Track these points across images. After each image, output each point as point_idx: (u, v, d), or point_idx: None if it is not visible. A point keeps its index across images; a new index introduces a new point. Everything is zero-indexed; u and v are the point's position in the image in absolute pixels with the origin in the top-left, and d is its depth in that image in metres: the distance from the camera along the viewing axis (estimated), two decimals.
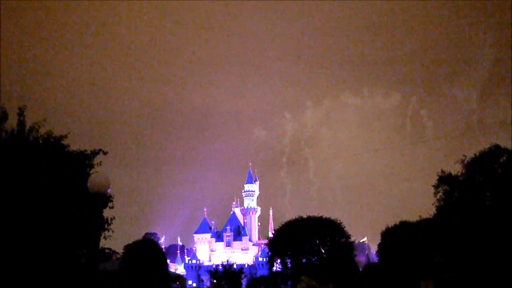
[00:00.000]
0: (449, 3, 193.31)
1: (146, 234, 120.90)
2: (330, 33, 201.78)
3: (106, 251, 37.11)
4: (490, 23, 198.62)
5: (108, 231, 20.91)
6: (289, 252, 55.46)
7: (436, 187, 37.42)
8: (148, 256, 3.02)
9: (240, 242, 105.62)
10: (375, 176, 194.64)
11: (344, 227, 57.25)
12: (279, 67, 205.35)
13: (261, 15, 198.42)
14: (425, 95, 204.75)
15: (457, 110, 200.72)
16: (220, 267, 75.23)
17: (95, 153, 21.31)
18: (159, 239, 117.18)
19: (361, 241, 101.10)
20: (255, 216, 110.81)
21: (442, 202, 36.98)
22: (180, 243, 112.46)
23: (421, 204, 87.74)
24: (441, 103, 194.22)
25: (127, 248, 3.13)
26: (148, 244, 3.13)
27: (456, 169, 36.90)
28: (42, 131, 20.36)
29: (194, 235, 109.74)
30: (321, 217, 57.47)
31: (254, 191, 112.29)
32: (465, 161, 36.19)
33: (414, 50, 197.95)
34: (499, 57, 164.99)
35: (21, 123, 19.98)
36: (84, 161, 20.99)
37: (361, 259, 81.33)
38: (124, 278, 2.96)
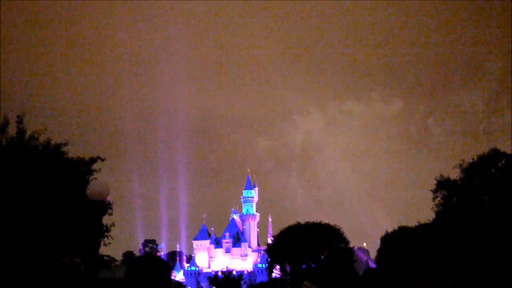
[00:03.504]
0: (456, 12, 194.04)
1: (145, 241, 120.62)
2: (333, 39, 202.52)
3: (105, 258, 36.96)
4: (498, 31, 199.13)
5: (108, 238, 20.99)
6: (288, 258, 55.32)
7: (434, 192, 37.28)
8: (153, 268, 3.10)
9: (239, 248, 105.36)
10: (377, 182, 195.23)
11: (343, 232, 57.18)
12: (282, 73, 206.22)
13: (265, 21, 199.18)
14: (428, 103, 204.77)
15: (463, 118, 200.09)
16: (220, 274, 75.21)
17: (93, 160, 21.35)
18: (158, 245, 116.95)
19: (360, 246, 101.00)
20: (254, 222, 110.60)
21: (440, 207, 36.87)
22: (179, 250, 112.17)
23: (420, 210, 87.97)
24: (446, 111, 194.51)
25: (133, 261, 3.21)
26: (153, 257, 3.22)
27: (454, 173, 36.83)
28: (42, 139, 20.41)
29: (193, 241, 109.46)
30: (320, 223, 57.38)
31: (253, 197, 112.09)
32: (464, 166, 36.13)
33: (418, 58, 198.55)
34: (507, 65, 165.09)
35: (20, 131, 20.02)
36: (82, 168, 21.03)
37: (360, 264, 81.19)
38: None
